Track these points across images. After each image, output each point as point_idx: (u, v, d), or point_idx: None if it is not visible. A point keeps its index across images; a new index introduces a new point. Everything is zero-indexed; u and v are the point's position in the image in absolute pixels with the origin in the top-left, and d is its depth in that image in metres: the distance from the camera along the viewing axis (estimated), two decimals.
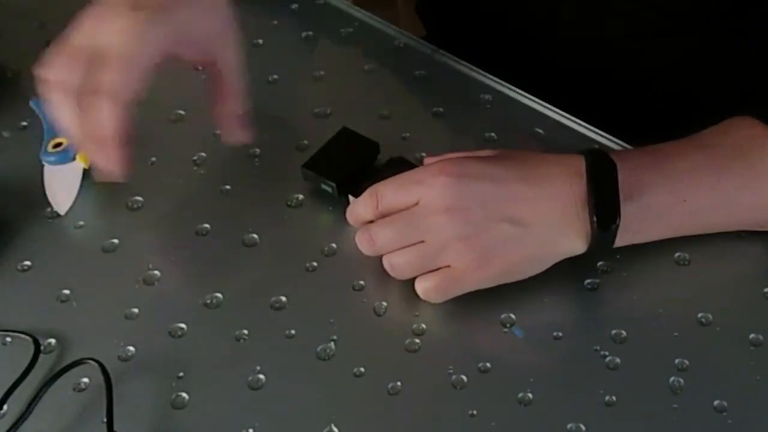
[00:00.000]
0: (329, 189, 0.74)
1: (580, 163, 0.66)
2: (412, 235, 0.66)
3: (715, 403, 0.62)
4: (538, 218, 0.65)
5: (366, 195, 0.68)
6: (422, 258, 0.66)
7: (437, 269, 0.66)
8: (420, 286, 0.67)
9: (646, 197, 0.65)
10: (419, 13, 1.04)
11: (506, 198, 0.65)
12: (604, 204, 0.64)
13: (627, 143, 0.78)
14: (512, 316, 0.67)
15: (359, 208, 0.69)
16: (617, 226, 0.64)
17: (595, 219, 0.64)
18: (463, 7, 0.97)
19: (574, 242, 0.66)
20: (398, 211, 0.67)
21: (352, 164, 0.75)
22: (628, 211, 0.65)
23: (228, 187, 0.77)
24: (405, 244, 0.66)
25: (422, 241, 0.66)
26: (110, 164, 0.66)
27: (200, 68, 0.73)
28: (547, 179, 0.66)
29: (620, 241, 0.66)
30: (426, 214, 0.65)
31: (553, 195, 0.65)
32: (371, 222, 0.68)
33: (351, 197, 0.73)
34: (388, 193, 0.67)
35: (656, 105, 0.88)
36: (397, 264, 0.67)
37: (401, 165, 0.73)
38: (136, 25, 0.65)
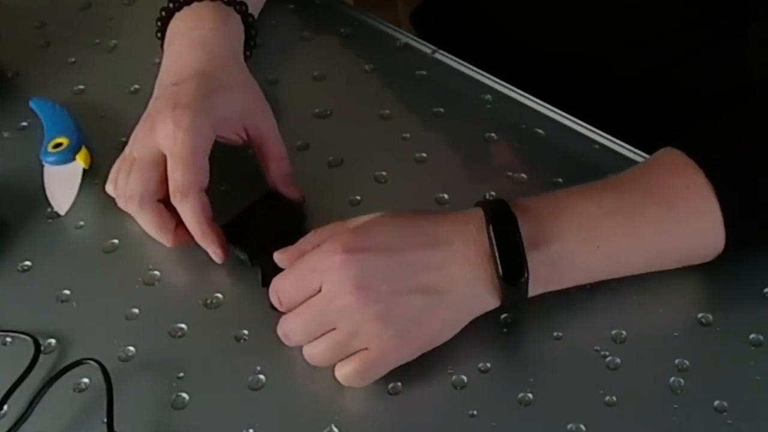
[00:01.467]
0: (243, 257, 0.71)
1: (480, 219, 0.63)
2: (321, 325, 0.63)
3: (715, 403, 0.62)
4: (448, 283, 0.62)
5: (270, 292, 0.65)
6: (336, 345, 0.63)
7: (355, 353, 0.63)
8: (339, 373, 0.63)
9: (554, 246, 0.63)
10: (414, 22, 1.05)
11: (411, 267, 0.62)
12: (508, 259, 0.61)
13: (627, 143, 0.78)
14: (512, 316, 0.67)
15: (274, 301, 0.66)
16: (526, 279, 0.62)
17: (501, 275, 0.61)
18: (458, 15, 0.97)
19: (487, 299, 0.63)
20: (304, 300, 0.63)
21: (271, 232, 0.71)
22: (535, 261, 0.62)
23: (228, 188, 0.77)
24: (317, 334, 0.63)
25: (335, 328, 0.62)
26: (217, 246, 0.70)
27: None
28: (448, 241, 0.63)
29: (534, 291, 0.63)
30: (329, 300, 0.62)
31: (457, 256, 0.62)
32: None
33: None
34: (287, 288, 0.64)
35: (655, 105, 0.88)
36: (314, 355, 0.64)
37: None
38: (183, 123, 0.70)
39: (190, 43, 0.77)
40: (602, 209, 0.64)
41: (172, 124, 0.70)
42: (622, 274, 0.66)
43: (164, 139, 0.71)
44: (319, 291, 0.62)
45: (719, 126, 0.69)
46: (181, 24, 0.79)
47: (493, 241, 0.62)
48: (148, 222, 0.72)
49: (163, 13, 0.81)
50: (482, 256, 0.62)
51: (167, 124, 0.71)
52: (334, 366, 0.64)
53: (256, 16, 0.84)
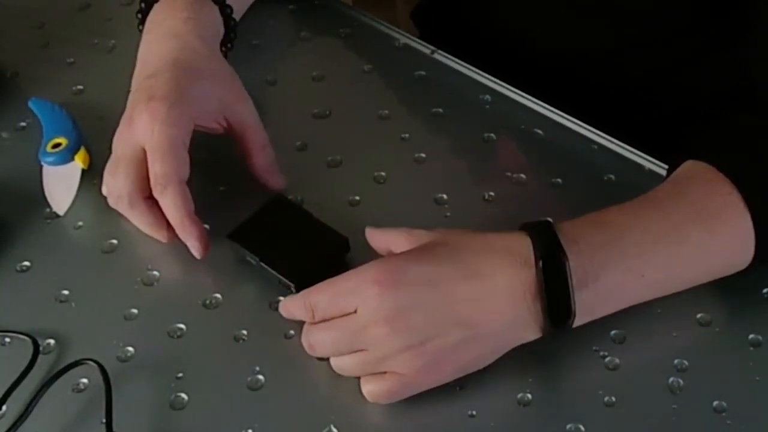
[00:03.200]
0: (253, 261, 0.70)
1: (526, 250, 0.61)
2: (352, 345, 0.62)
3: (715, 403, 0.62)
4: (485, 317, 0.61)
5: (299, 304, 0.64)
6: (366, 364, 0.62)
7: (385, 372, 0.62)
8: (367, 389, 0.63)
9: (602, 280, 0.61)
10: (415, 20, 1.05)
11: (449, 301, 0.60)
12: (557, 301, 0.60)
13: (626, 143, 0.78)
14: None
15: (294, 312, 0.65)
16: (573, 319, 0.61)
17: (548, 318, 0.61)
18: (458, 15, 0.97)
19: (528, 333, 0.62)
20: (336, 317, 0.62)
21: (285, 240, 0.70)
22: (583, 297, 0.61)
23: (226, 188, 0.77)
24: (345, 352, 0.62)
25: (363, 349, 0.62)
26: (196, 240, 0.70)
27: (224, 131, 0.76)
28: (490, 274, 0.61)
29: (579, 323, 0.62)
30: (365, 326, 0.61)
31: (500, 291, 0.60)
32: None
33: (274, 272, 0.69)
34: (321, 303, 0.63)
35: (654, 105, 0.88)
36: (341, 368, 0.64)
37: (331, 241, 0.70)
38: (159, 116, 0.70)
39: (163, 34, 0.77)
40: (647, 236, 0.63)
41: (148, 117, 0.70)
42: (662, 295, 0.65)
43: (142, 133, 0.70)
44: (355, 312, 0.61)
45: (738, 134, 0.69)
46: (158, 13, 0.79)
47: (542, 283, 0.60)
48: (140, 220, 0.72)
49: (143, 5, 0.81)
50: (526, 292, 0.61)
51: (143, 117, 0.70)
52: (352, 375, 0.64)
53: (241, 8, 0.83)
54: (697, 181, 0.66)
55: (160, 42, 0.76)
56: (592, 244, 0.62)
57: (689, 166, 0.67)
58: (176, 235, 0.71)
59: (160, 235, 0.72)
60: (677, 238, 0.63)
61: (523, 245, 0.61)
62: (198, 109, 0.73)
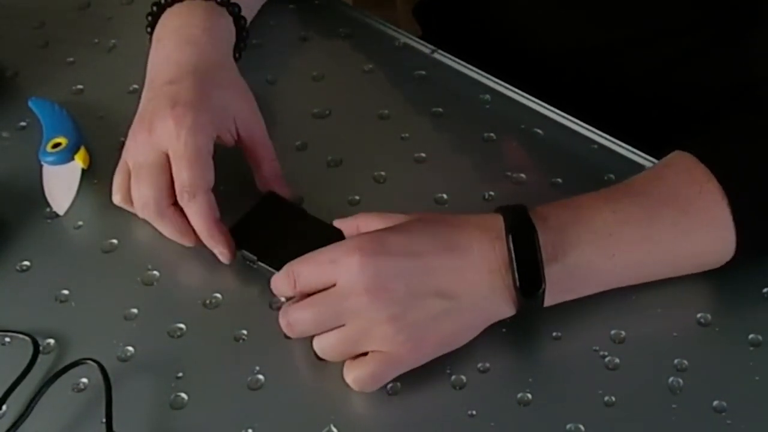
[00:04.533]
0: (251, 263, 0.70)
1: (499, 226, 0.63)
2: (330, 320, 0.62)
3: (715, 403, 0.62)
4: (464, 288, 0.62)
5: (282, 274, 0.64)
6: (346, 342, 0.62)
7: (366, 354, 0.62)
8: (350, 376, 0.62)
9: (571, 257, 0.62)
10: (416, 15, 1.05)
11: (429, 272, 0.62)
12: (526, 272, 0.61)
13: (626, 143, 0.78)
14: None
15: (278, 286, 0.65)
16: (543, 291, 0.62)
17: (518, 287, 0.62)
18: (460, 10, 0.97)
19: (503, 307, 0.63)
20: (317, 289, 0.63)
21: (276, 233, 0.71)
22: (553, 272, 0.62)
23: (225, 187, 0.77)
24: (324, 328, 0.63)
25: (344, 325, 0.62)
26: (224, 247, 0.70)
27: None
28: (467, 247, 0.62)
29: (550, 301, 0.63)
30: (344, 297, 0.61)
31: (476, 263, 0.62)
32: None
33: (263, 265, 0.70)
34: (303, 272, 0.63)
35: (655, 104, 0.88)
36: (321, 348, 0.63)
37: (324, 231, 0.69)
38: (185, 122, 0.70)
39: (181, 41, 0.76)
40: (618, 216, 0.64)
41: (174, 123, 0.70)
42: (638, 281, 0.66)
43: (166, 139, 0.70)
44: (334, 286, 0.62)
45: (731, 130, 0.69)
46: (173, 19, 0.79)
47: (512, 253, 0.62)
48: (167, 228, 0.71)
49: (155, 8, 0.81)
50: (500, 265, 0.62)
51: (167, 124, 0.70)
52: (340, 365, 0.64)
53: (249, 19, 0.84)
54: (675, 168, 0.66)
55: (178, 50, 0.76)
56: (561, 221, 0.63)
57: (671, 156, 0.68)
58: (200, 241, 0.71)
59: (186, 241, 0.71)
60: (648, 220, 0.64)
61: (496, 222, 0.63)
62: (218, 118, 0.72)
